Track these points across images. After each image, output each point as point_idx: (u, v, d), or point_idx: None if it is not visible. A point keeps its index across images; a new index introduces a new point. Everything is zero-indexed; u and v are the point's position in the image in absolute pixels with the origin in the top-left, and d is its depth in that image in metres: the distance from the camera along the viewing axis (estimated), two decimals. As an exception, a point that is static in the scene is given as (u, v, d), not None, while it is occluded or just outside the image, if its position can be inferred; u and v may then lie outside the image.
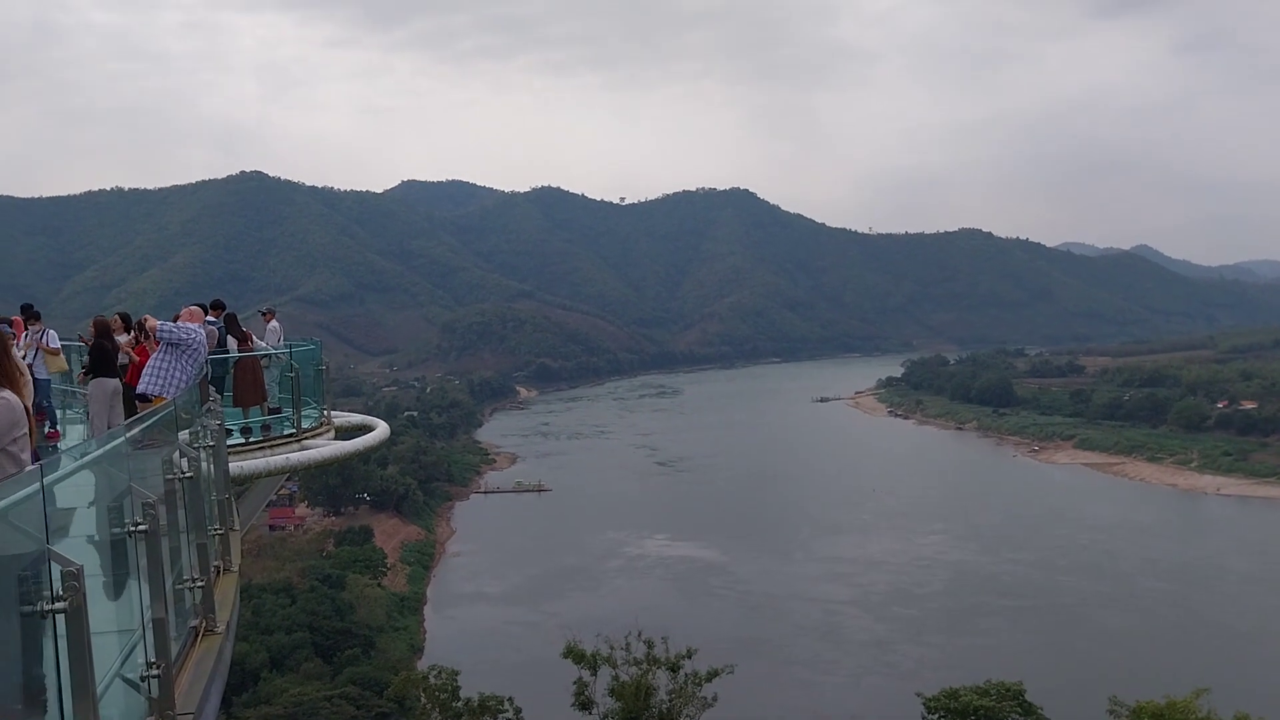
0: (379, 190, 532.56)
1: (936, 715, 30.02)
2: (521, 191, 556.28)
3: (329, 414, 21.39)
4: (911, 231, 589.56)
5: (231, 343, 18.39)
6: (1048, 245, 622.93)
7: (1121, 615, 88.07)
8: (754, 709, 46.15)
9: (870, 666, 74.94)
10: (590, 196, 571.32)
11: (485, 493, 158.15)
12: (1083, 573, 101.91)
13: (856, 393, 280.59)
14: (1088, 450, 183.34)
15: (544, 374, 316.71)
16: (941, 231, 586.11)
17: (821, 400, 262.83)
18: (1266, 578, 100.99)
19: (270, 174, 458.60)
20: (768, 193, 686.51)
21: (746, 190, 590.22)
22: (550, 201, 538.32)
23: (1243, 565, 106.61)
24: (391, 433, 23.99)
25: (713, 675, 32.03)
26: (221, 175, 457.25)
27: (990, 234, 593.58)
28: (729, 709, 35.70)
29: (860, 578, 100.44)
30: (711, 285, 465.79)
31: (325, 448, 19.23)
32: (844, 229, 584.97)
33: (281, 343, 21.19)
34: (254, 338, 19.54)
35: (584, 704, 32.75)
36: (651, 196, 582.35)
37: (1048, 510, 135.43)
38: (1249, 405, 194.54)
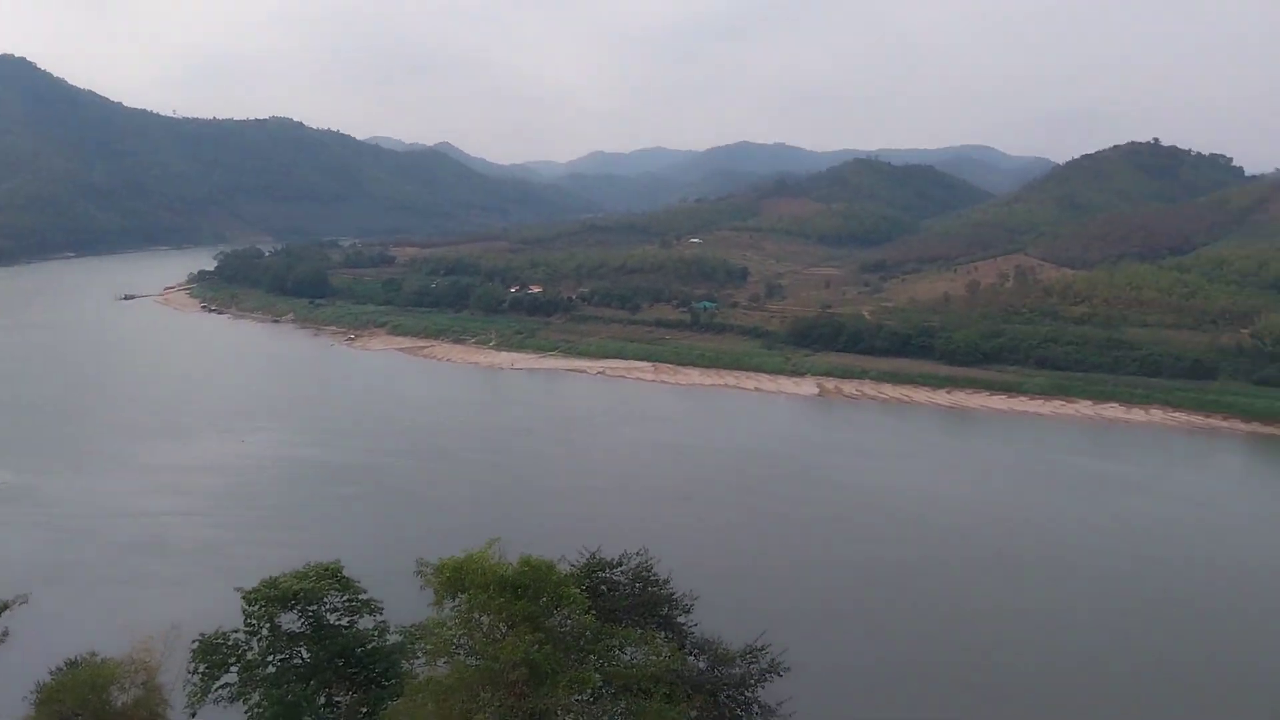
0: None
1: (257, 606, 30.29)
2: None
3: None
4: (221, 117, 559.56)
5: None
6: (358, 138, 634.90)
7: (447, 487, 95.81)
8: (60, 637, 42.05)
9: (197, 573, 72.26)
10: None
11: None
12: (412, 454, 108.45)
13: (166, 288, 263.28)
14: (400, 335, 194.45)
15: None
16: (252, 119, 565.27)
17: (127, 298, 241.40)
18: (565, 439, 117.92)
19: None
20: (54, 66, 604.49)
21: (23, 59, 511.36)
22: None
23: (542, 427, 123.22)
24: None
25: None
26: None
27: (302, 124, 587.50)
28: (22, 644, 32.44)
29: (186, 484, 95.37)
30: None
31: None
32: (145, 110, 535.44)
33: None
34: None
35: None
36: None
37: (370, 395, 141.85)
38: (536, 289, 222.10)
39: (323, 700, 31.30)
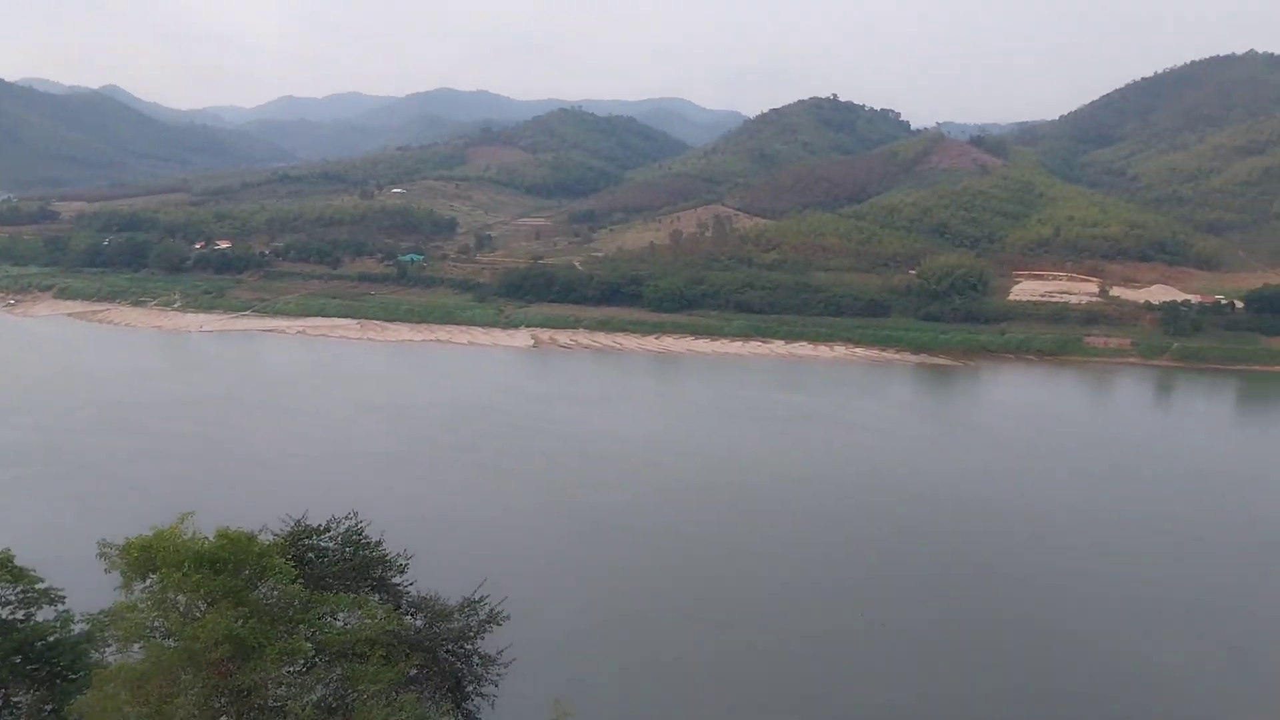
0: None
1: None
2: None
3: None
4: None
5: None
6: (8, 80, 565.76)
7: (134, 462, 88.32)
8: None
9: None
10: None
11: None
12: (91, 429, 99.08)
13: None
14: (70, 300, 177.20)
15: None
16: None
17: None
18: (259, 402, 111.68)
19: None
20: None
21: None
22: None
23: (238, 392, 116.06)
24: None
25: None
26: None
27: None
28: None
29: None
30: None
31: None
32: None
33: None
34: None
35: None
36: None
37: (39, 366, 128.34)
38: (224, 245, 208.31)
39: (-2, 703, 28.49)
